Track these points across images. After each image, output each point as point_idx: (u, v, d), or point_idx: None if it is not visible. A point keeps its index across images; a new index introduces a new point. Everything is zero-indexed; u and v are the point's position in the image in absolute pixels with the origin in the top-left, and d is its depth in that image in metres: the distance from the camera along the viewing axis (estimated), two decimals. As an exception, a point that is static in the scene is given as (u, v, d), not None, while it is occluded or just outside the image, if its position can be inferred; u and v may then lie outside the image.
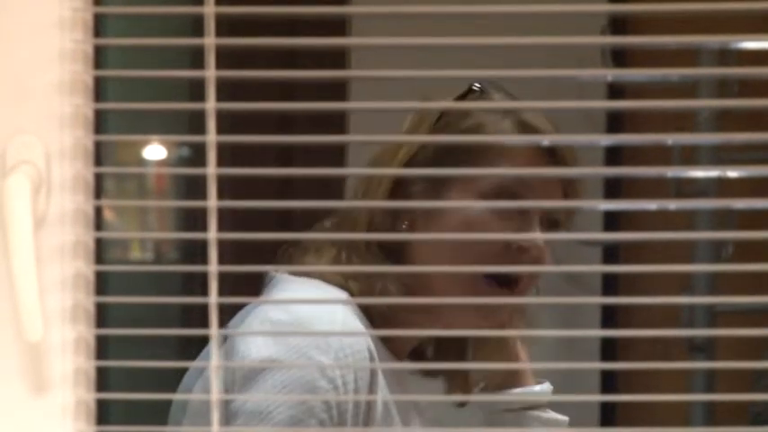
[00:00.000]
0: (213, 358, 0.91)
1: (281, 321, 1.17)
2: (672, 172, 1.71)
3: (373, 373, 1.17)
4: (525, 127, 1.26)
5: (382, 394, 1.19)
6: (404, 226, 1.27)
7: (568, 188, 1.26)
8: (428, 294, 1.23)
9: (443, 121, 1.28)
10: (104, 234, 0.93)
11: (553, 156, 1.25)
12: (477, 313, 1.26)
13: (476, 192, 1.25)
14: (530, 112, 1.27)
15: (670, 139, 1.61)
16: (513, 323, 1.29)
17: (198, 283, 0.90)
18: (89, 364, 0.90)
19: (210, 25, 0.87)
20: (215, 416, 0.91)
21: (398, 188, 1.26)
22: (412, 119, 1.30)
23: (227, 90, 0.89)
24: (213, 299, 0.89)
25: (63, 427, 0.90)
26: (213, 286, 0.89)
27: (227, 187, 0.90)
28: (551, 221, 1.27)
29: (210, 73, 0.88)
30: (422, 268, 1.26)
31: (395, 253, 1.26)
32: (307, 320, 1.17)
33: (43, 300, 0.86)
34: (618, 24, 2.34)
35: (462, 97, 1.30)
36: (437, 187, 1.26)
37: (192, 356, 1.05)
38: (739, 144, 2.22)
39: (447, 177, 1.25)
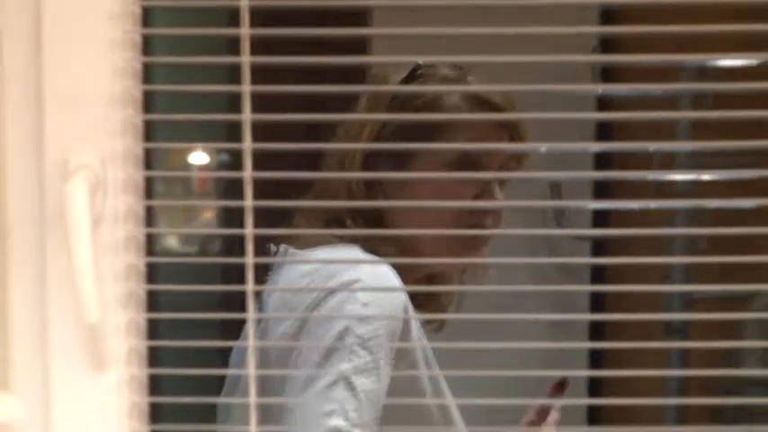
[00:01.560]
0: (250, 339, 0.90)
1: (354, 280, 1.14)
2: (652, 175, 1.69)
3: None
4: (476, 98, 1.24)
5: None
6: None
7: (514, 135, 1.24)
8: (414, 249, 1.23)
9: (398, 100, 1.24)
10: (153, 230, 0.92)
11: (502, 121, 1.24)
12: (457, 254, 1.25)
13: (440, 160, 1.23)
14: (480, 84, 1.25)
15: (652, 146, 1.60)
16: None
17: (236, 270, 0.89)
18: (141, 344, 0.90)
19: (245, 46, 0.86)
20: (253, 417, 0.90)
21: (369, 160, 1.23)
22: (367, 98, 1.27)
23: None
24: (250, 287, 0.89)
25: (119, 399, 0.89)
26: (250, 276, 0.89)
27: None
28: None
29: (246, 88, 0.87)
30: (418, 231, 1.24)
31: (374, 220, 1.24)
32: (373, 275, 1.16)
33: (100, 288, 0.85)
34: (607, 44, 2.32)
35: (410, 75, 1.27)
36: (404, 158, 1.23)
37: (233, 336, 1.03)
38: (712, 151, 2.20)
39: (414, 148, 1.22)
